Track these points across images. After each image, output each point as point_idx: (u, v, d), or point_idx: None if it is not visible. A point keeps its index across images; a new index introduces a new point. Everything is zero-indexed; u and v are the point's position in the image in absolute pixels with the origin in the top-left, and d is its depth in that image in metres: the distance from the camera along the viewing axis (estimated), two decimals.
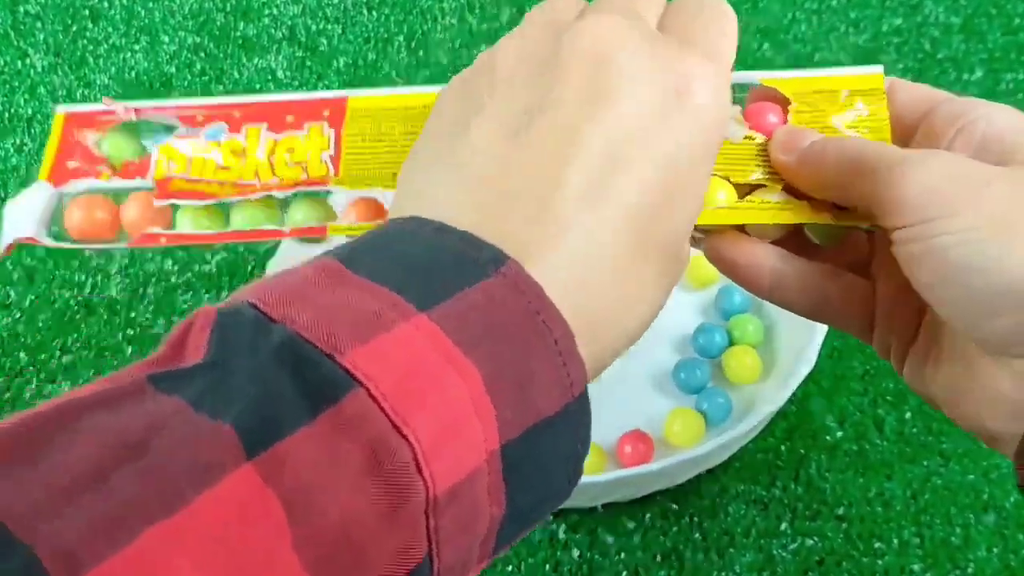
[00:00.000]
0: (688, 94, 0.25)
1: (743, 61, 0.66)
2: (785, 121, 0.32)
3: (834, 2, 0.65)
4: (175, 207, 0.33)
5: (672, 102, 0.25)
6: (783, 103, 0.32)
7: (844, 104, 0.32)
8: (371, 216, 0.33)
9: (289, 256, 0.46)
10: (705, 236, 0.32)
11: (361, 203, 0.34)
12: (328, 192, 0.33)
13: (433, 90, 0.33)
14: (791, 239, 0.32)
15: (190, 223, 0.34)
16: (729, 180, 0.32)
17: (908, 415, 0.45)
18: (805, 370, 0.41)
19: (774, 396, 0.41)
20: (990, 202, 0.25)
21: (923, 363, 0.30)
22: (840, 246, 0.32)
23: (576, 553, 0.41)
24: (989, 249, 0.25)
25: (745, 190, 0.32)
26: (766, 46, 0.62)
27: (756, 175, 0.32)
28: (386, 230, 0.23)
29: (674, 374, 0.45)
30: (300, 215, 0.34)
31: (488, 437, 0.20)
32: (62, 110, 0.35)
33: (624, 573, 0.41)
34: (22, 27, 0.64)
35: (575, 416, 0.22)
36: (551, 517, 0.42)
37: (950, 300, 0.26)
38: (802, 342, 0.43)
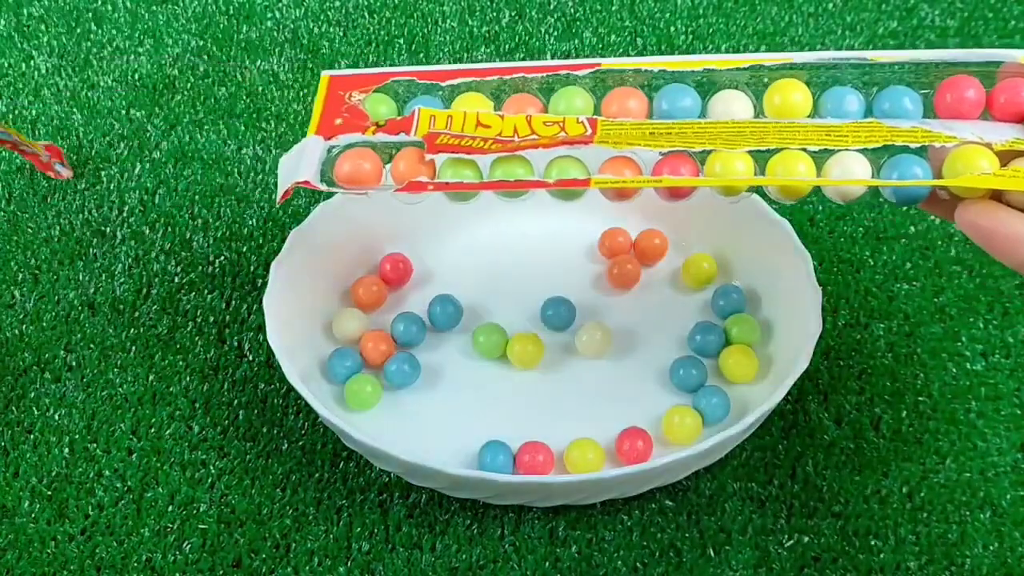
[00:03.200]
0: None
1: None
2: None
3: (830, 5, 0.66)
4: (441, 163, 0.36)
5: None
6: None
7: None
8: (625, 172, 0.35)
9: (292, 258, 0.46)
10: (959, 202, 0.32)
11: (617, 161, 0.35)
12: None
13: (692, 59, 0.35)
14: None
15: (452, 174, 0.36)
16: (991, 148, 0.32)
17: (904, 413, 0.45)
18: (801, 368, 0.42)
19: (771, 395, 0.41)
20: None
21: None
22: None
23: (575, 549, 0.42)
24: None
25: (1006, 159, 0.32)
26: (763, 49, 0.63)
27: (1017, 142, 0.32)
28: None
29: (672, 373, 0.45)
30: (556, 171, 0.35)
31: None
32: (327, 73, 0.38)
33: (623, 570, 0.41)
34: (26, 29, 0.65)
35: None
36: (551, 514, 0.42)
37: None
38: (798, 341, 0.43)
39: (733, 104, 0.35)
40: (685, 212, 0.51)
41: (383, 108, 0.38)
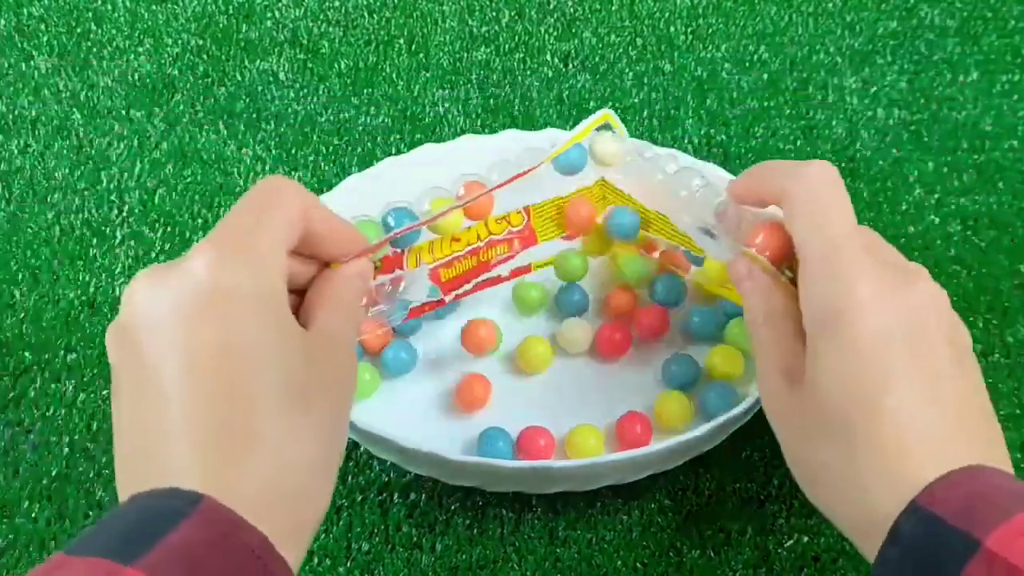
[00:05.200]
0: (202, 289, 0.29)
1: (739, 64, 0.67)
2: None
3: (830, 5, 0.66)
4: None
5: (197, 307, 0.29)
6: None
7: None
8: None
9: None
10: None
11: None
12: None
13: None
14: None
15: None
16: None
17: None
18: None
19: None
20: None
21: None
22: None
23: (575, 549, 0.42)
24: None
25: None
26: (762, 49, 0.63)
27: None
28: (115, 509, 0.28)
29: (664, 368, 0.45)
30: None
31: None
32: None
33: (623, 570, 0.41)
34: (26, 29, 0.65)
35: None
36: (551, 514, 0.42)
37: None
38: None
39: None
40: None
41: (372, 237, 0.41)
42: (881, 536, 0.30)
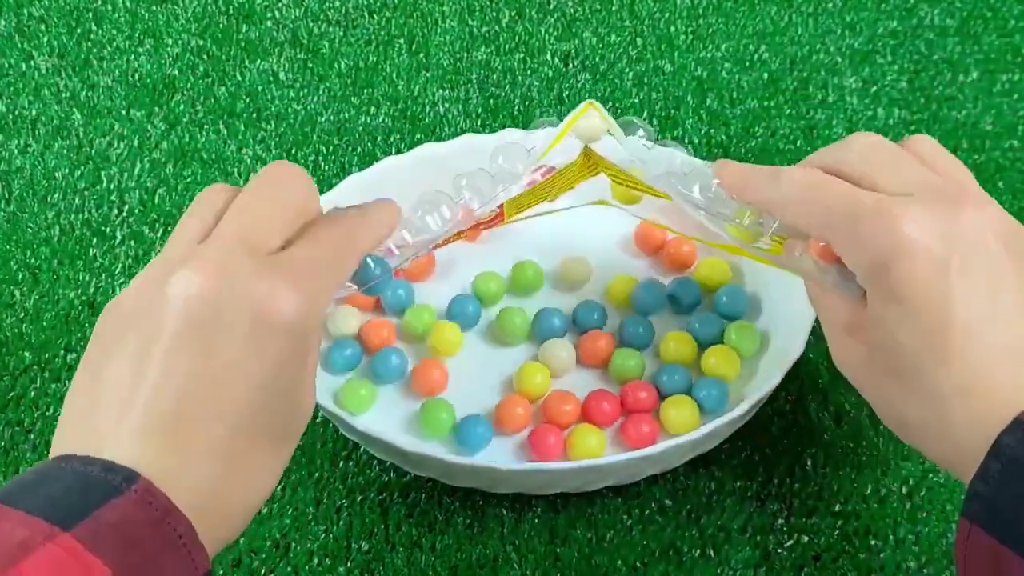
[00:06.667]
0: (263, 318, 0.30)
1: (739, 63, 0.67)
2: None
3: (830, 5, 0.66)
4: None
5: (245, 327, 0.29)
6: None
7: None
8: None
9: None
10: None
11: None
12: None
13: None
14: None
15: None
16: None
17: None
18: (796, 355, 0.42)
19: (762, 384, 0.42)
20: None
21: None
22: None
23: (575, 549, 0.42)
24: None
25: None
26: (763, 48, 0.63)
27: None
28: (46, 467, 0.28)
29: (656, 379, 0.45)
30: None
31: None
32: None
33: (623, 569, 0.41)
34: (27, 29, 0.65)
35: None
36: (552, 513, 0.42)
37: None
38: (794, 327, 0.43)
39: None
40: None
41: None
42: (977, 463, 0.30)
